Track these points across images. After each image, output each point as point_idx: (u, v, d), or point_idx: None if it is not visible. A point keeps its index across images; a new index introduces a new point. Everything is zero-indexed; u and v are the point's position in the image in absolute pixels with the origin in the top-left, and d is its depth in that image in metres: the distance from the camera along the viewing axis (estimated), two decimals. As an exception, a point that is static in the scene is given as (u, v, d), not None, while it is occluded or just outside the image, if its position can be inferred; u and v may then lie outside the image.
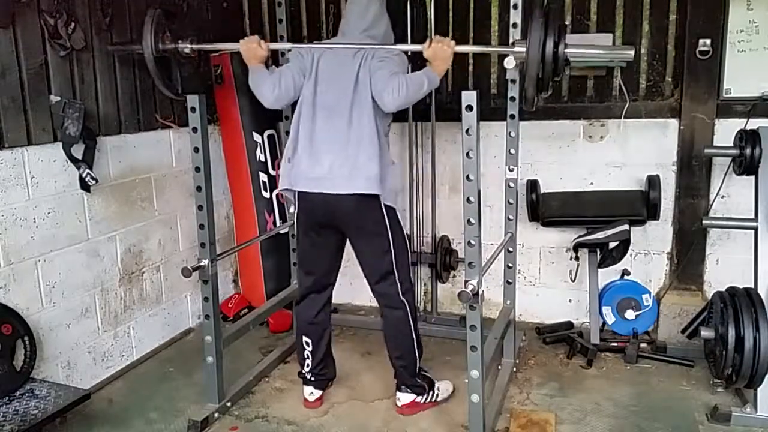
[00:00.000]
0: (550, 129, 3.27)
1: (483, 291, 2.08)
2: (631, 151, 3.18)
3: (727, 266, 3.11)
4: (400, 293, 2.44)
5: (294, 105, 2.44)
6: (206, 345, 2.53)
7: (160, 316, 3.24)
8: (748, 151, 2.59)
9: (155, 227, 3.17)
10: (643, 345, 3.07)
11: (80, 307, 2.73)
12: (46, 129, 2.51)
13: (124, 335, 3.00)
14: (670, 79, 3.11)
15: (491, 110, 3.21)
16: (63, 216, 2.62)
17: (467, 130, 1.96)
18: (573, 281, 3.26)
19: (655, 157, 3.15)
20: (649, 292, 3.13)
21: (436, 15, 3.23)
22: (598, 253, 3.12)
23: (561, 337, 3.21)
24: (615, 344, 3.07)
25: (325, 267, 2.56)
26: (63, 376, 2.64)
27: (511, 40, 2.49)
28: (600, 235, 3.03)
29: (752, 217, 2.58)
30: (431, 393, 2.58)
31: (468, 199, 2.00)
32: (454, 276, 3.51)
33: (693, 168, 3.07)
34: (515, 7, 2.51)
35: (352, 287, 3.50)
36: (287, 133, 3.09)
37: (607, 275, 3.20)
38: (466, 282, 2.01)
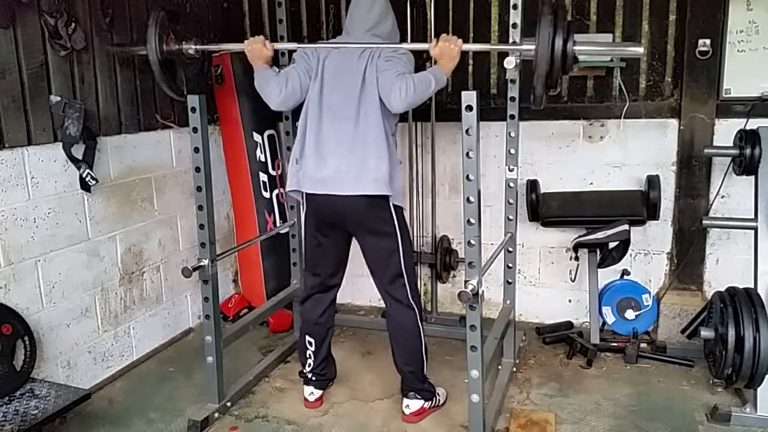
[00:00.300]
0: (550, 129, 3.27)
1: (483, 291, 2.09)
2: (631, 151, 3.18)
3: (727, 266, 3.11)
4: (410, 296, 2.43)
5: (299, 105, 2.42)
6: (206, 345, 2.53)
7: (160, 316, 3.25)
8: (747, 151, 2.60)
9: (155, 227, 3.17)
10: (643, 345, 3.07)
11: (80, 307, 2.73)
12: (46, 129, 2.51)
13: (124, 335, 3.00)
14: (669, 80, 3.11)
15: (491, 110, 3.21)
16: (63, 216, 2.62)
17: (467, 130, 1.96)
18: (573, 281, 3.26)
19: (655, 157, 3.15)
20: (649, 292, 3.13)
21: (436, 15, 3.24)
22: (598, 253, 3.12)
23: (561, 337, 3.21)
24: (615, 344, 3.07)
25: (331, 267, 2.54)
26: (63, 376, 2.64)
27: (511, 40, 2.49)
28: (600, 235, 3.03)
29: (752, 217, 2.58)
30: (436, 397, 2.57)
31: (468, 199, 2.00)
32: (454, 276, 3.51)
33: (693, 168, 3.07)
34: (515, 7, 2.51)
35: (352, 287, 3.49)
36: (287, 133, 3.11)
37: (607, 275, 3.20)
38: (466, 282, 2.01)
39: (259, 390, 2.81)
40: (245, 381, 2.78)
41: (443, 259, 3.36)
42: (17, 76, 2.39)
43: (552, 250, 3.40)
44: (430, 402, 2.53)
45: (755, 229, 2.54)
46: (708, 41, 2.92)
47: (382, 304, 3.60)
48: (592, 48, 2.48)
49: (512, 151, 2.71)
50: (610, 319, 3.13)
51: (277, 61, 3.05)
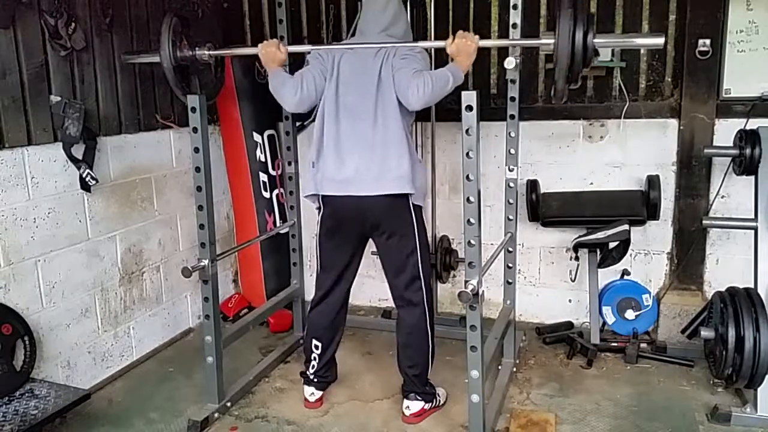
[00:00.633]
0: (550, 129, 3.27)
1: (483, 291, 2.09)
2: (631, 151, 3.18)
3: (727, 266, 3.11)
4: (425, 299, 2.41)
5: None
6: (206, 345, 2.53)
7: (160, 316, 3.25)
8: (747, 151, 2.59)
9: (155, 227, 3.17)
10: (643, 345, 3.07)
11: (80, 307, 2.73)
12: (46, 129, 2.51)
13: (124, 335, 3.00)
14: (669, 79, 3.11)
15: (491, 110, 3.21)
16: (63, 216, 2.62)
17: (467, 130, 1.96)
18: (573, 281, 3.26)
19: (655, 157, 3.15)
20: (649, 292, 3.13)
21: (436, 15, 3.23)
22: (598, 253, 3.12)
23: (561, 337, 3.21)
24: (615, 344, 3.07)
25: (346, 270, 2.52)
26: (63, 376, 2.64)
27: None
28: (600, 235, 3.03)
29: (752, 217, 2.57)
30: (437, 397, 2.57)
31: (468, 199, 2.00)
32: (454, 276, 3.51)
33: (693, 168, 3.07)
34: (515, 7, 2.51)
35: (352, 287, 3.49)
36: (287, 133, 3.11)
37: (607, 275, 3.20)
38: (466, 282, 2.01)
39: (259, 390, 2.81)
40: (245, 381, 2.78)
41: (443, 259, 3.36)
42: (17, 76, 2.39)
43: (552, 250, 3.40)
44: (430, 403, 2.53)
45: (755, 229, 2.54)
46: (708, 41, 2.92)
47: (382, 304, 3.64)
48: (612, 40, 2.44)
49: (512, 151, 2.71)
50: (610, 319, 3.13)
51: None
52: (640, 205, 3.10)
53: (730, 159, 2.86)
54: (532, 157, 3.30)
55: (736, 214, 2.99)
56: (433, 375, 2.58)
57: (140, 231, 3.06)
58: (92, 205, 2.76)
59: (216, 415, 2.55)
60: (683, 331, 2.93)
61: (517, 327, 3.05)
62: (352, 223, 2.38)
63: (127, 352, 3.02)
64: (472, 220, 2.00)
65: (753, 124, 2.78)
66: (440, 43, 2.28)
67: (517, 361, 2.97)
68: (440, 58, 2.81)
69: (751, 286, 2.47)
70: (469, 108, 1.94)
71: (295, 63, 2.72)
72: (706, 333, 2.47)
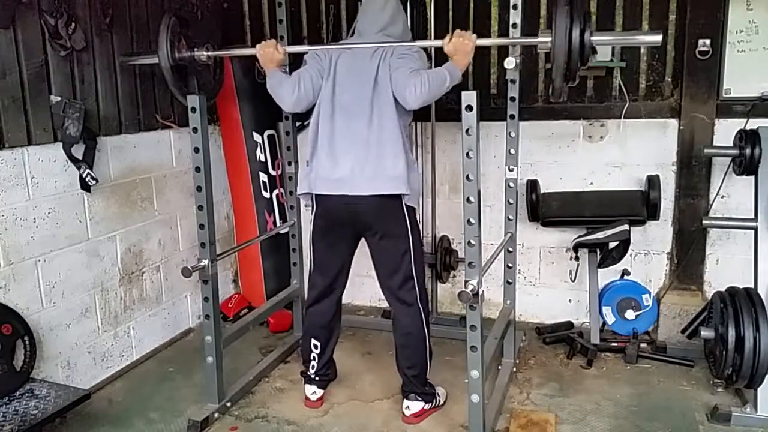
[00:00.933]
0: (550, 129, 3.27)
1: (483, 291, 2.08)
2: (631, 151, 3.18)
3: (727, 266, 3.11)
4: (418, 299, 2.41)
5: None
6: (206, 345, 2.53)
7: (160, 316, 3.25)
8: (747, 151, 2.59)
9: (155, 227, 3.17)
10: (643, 345, 3.07)
11: (80, 307, 2.73)
12: (46, 129, 2.51)
13: (124, 335, 3.00)
14: (669, 79, 3.11)
15: (491, 110, 3.21)
16: (63, 216, 2.62)
17: (467, 130, 1.96)
18: (573, 281, 3.26)
19: (655, 157, 3.15)
20: (649, 292, 3.13)
21: (436, 15, 3.23)
22: (598, 253, 3.12)
23: (561, 337, 3.21)
24: (615, 344, 3.07)
25: (339, 269, 2.52)
26: (63, 376, 2.64)
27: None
28: (600, 235, 3.03)
29: (752, 217, 2.57)
30: (437, 398, 2.57)
31: (468, 199, 2.00)
32: (454, 276, 3.51)
33: (693, 168, 3.07)
34: (515, 7, 2.51)
35: (352, 287, 3.45)
36: (287, 133, 3.11)
37: (607, 275, 3.20)
38: (466, 282, 2.01)
39: (259, 390, 2.81)
40: (245, 381, 2.78)
41: (443, 259, 3.36)
42: (17, 76, 2.39)
43: (552, 250, 3.40)
44: (430, 403, 2.53)
45: (755, 229, 2.54)
46: (708, 41, 2.92)
47: (382, 304, 3.63)
48: (609, 38, 2.43)
49: (512, 151, 2.71)
50: (610, 319, 3.13)
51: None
52: (640, 205, 3.10)
53: (730, 159, 2.86)
54: (532, 157, 3.30)
55: (736, 214, 2.99)
56: (432, 375, 2.58)
57: (140, 231, 3.06)
58: (92, 205, 2.76)
59: (216, 415, 2.56)
60: (683, 331, 2.93)
61: (517, 327, 3.05)
62: (344, 222, 2.38)
63: (127, 352, 3.02)
64: (472, 220, 2.00)
65: (753, 124, 2.79)
66: (437, 42, 2.28)
67: (517, 361, 2.97)
68: (440, 58, 2.80)
69: (751, 286, 2.47)
70: (469, 108, 1.94)
71: (295, 63, 2.72)
72: (706, 333, 2.47)
